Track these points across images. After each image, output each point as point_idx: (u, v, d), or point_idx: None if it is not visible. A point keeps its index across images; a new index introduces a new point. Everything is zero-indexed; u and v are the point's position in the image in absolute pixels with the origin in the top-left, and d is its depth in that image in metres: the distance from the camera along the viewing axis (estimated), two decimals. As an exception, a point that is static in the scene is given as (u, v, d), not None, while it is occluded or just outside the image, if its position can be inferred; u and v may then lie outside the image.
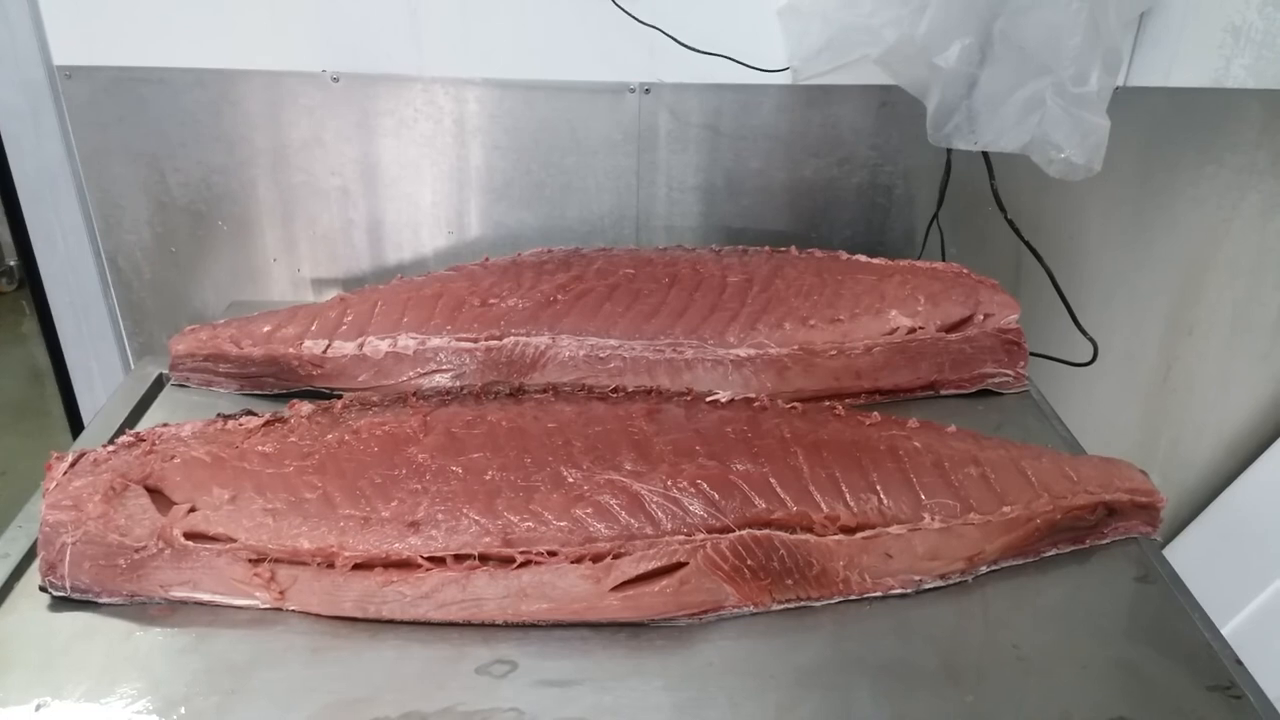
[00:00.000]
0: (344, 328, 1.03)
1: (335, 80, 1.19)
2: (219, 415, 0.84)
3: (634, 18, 1.13)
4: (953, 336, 1.02)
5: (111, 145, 1.21)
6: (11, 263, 2.30)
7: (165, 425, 0.83)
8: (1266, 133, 1.23)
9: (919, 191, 1.26)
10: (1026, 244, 1.15)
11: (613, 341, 1.01)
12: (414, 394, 0.88)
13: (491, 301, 1.04)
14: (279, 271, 1.31)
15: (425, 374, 1.00)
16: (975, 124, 1.01)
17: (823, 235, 1.30)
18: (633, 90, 1.21)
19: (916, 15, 1.00)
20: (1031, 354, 1.05)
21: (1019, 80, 0.96)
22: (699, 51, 1.15)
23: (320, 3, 1.15)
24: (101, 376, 1.35)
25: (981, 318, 1.03)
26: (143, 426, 0.98)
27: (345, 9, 1.15)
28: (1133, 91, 1.18)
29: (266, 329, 1.03)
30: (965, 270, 1.08)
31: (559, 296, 1.05)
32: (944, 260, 1.19)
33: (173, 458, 0.79)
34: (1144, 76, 1.17)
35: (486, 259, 1.13)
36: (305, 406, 0.85)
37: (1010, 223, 1.15)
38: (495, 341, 1.01)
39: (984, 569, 0.78)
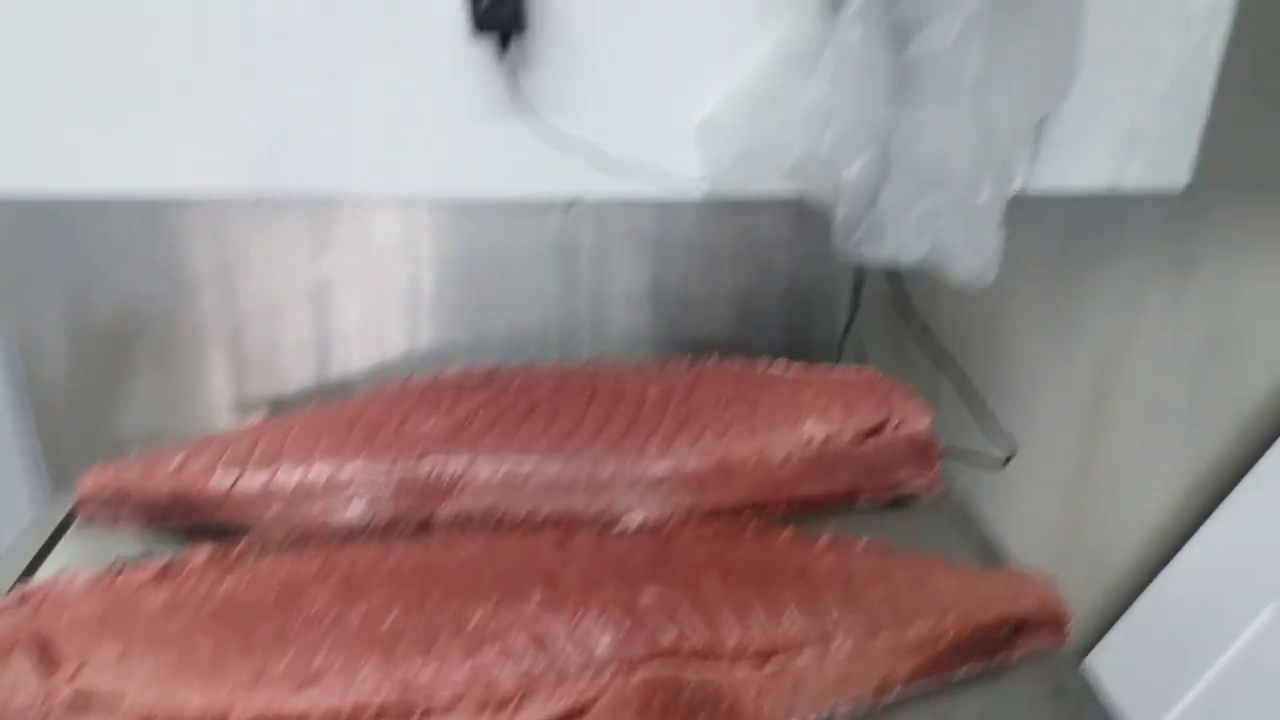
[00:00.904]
0: (255, 457, 1.01)
1: (260, 203, 1.20)
2: (114, 563, 0.82)
3: (556, 136, 1.15)
4: (867, 445, 1.02)
5: (34, 274, 1.19)
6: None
7: (59, 575, 0.81)
8: (1165, 234, 1.27)
9: (838, 298, 1.28)
10: (937, 350, 1.17)
11: (531, 462, 1.01)
12: (317, 533, 0.87)
13: (409, 425, 1.03)
14: (204, 397, 1.29)
15: (337, 504, 0.98)
16: (879, 236, 1.03)
17: (747, 341, 1.31)
18: (556, 207, 1.23)
19: (820, 131, 1.03)
20: (948, 455, 1.06)
21: (916, 194, 0.99)
22: (621, 167, 1.17)
23: (251, 126, 1.15)
24: (14, 513, 1.31)
25: (895, 424, 1.03)
26: (42, 569, 0.95)
27: (277, 132, 1.16)
28: (1033, 197, 1.21)
29: (175, 462, 1.01)
30: (879, 376, 1.10)
31: (478, 416, 1.04)
32: (864, 364, 1.21)
33: (63, 613, 0.76)
34: (1045, 181, 1.20)
35: (409, 378, 1.12)
36: (201, 552, 0.83)
37: (919, 331, 1.17)
38: (411, 466, 1.00)
39: (895, 693, 0.77)
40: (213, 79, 1.13)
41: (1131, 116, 1.19)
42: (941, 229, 0.98)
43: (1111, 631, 1.46)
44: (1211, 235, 1.28)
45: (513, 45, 1.10)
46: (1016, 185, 1.11)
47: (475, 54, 1.12)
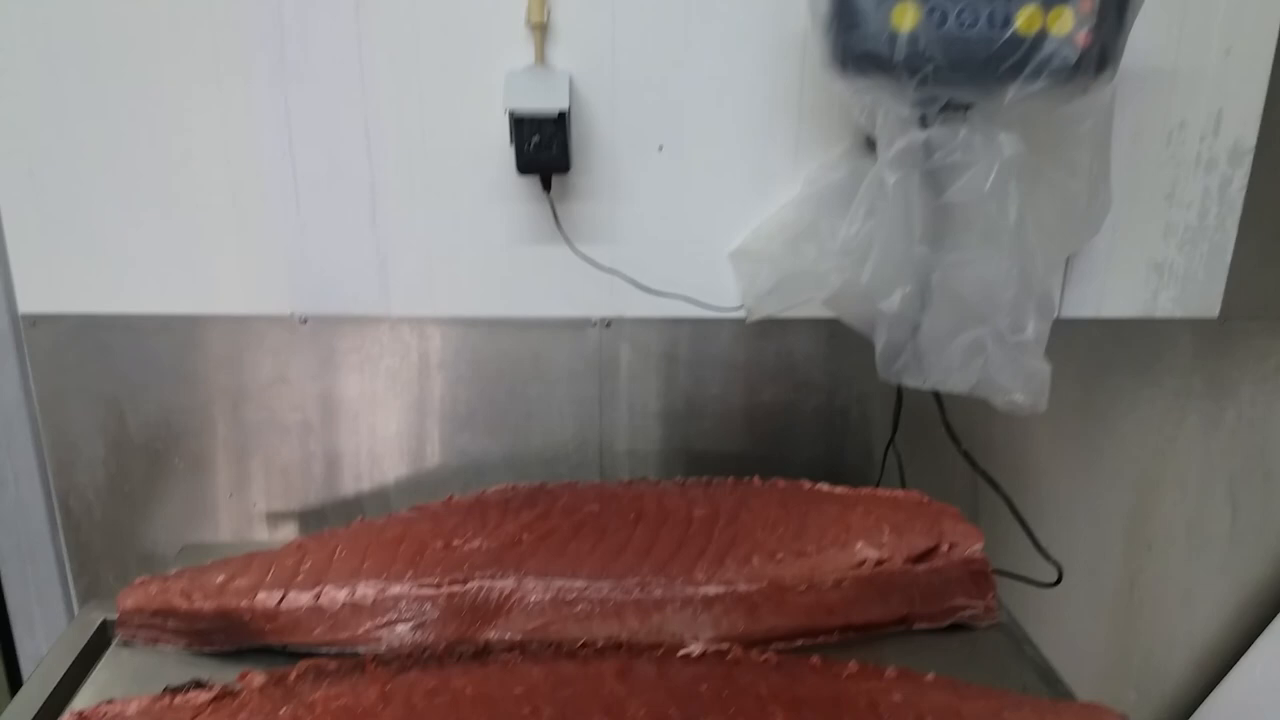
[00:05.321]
0: (301, 576, 1.00)
1: (303, 322, 1.22)
2: (166, 690, 0.80)
3: (593, 264, 1.18)
4: (920, 568, 1.01)
5: (71, 389, 1.21)
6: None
7: (111, 702, 0.79)
8: (1198, 358, 1.29)
9: (874, 414, 1.29)
10: (984, 475, 1.18)
11: (580, 583, 1.00)
12: (372, 659, 0.85)
13: (455, 543, 1.03)
14: (234, 507, 1.29)
15: (385, 625, 0.97)
16: (922, 364, 1.05)
17: (782, 457, 1.31)
18: (594, 324, 1.25)
19: (859, 264, 1.06)
20: (998, 574, 1.05)
21: (959, 326, 1.01)
22: (657, 293, 1.20)
23: (292, 251, 1.19)
24: (43, 619, 1.29)
25: (946, 548, 1.03)
26: (84, 688, 0.93)
27: (315, 257, 1.19)
28: (1067, 322, 1.24)
29: (219, 580, 0.99)
30: (925, 498, 1.10)
31: (524, 536, 1.04)
32: (903, 486, 1.21)
33: (114, 741, 0.74)
34: (1076, 309, 1.23)
35: (451, 498, 1.12)
36: (257, 678, 0.81)
37: (965, 454, 1.17)
38: (459, 586, 0.98)
39: (974, 837, 0.75)
40: (256, 209, 1.17)
41: (1160, 250, 1.23)
42: (989, 360, 1.00)
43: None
44: (1247, 362, 1.31)
45: (555, 182, 1.15)
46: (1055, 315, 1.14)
47: (519, 188, 1.17)
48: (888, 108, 0.98)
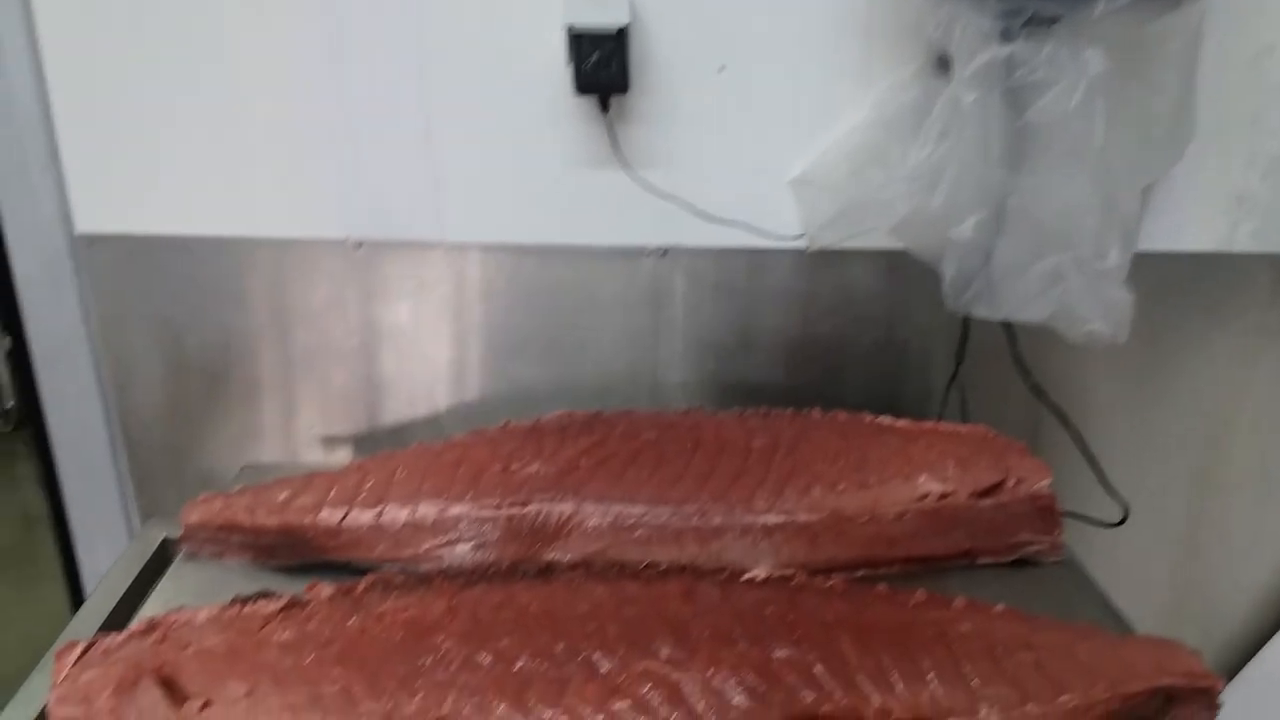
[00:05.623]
0: (363, 495, 1.00)
1: (358, 247, 1.21)
2: (235, 599, 0.81)
3: (651, 189, 1.16)
4: (985, 503, 1.00)
5: (129, 310, 1.21)
6: (9, 405, 2.26)
7: (180, 610, 0.80)
8: (1276, 295, 1.25)
9: (934, 349, 1.27)
10: (1054, 409, 1.15)
11: (638, 508, 0.99)
12: (439, 574, 0.85)
13: (514, 467, 1.03)
14: (291, 430, 1.29)
15: (445, 544, 0.97)
16: (995, 294, 1.01)
17: (839, 391, 1.29)
18: (649, 254, 1.23)
19: (928, 190, 1.02)
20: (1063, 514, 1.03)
21: (1037, 253, 0.98)
22: (715, 220, 1.18)
23: (345, 174, 1.17)
24: (104, 538, 1.32)
25: (1013, 483, 1.01)
26: (150, 600, 0.94)
27: (370, 181, 1.18)
28: (1140, 255, 1.19)
29: (282, 497, 1.00)
30: (991, 433, 1.07)
31: (582, 462, 1.03)
32: (965, 421, 1.19)
33: (187, 646, 0.75)
34: (1151, 242, 1.19)
35: (507, 422, 1.11)
36: (325, 589, 0.81)
37: (1034, 387, 1.15)
38: (518, 509, 0.98)
39: (1044, 765, 0.74)
40: (310, 132, 1.15)
41: (1241, 180, 1.18)
42: (1068, 289, 0.96)
43: (1226, 692, 1.41)
44: (1327, 301, 1.26)
45: (613, 104, 1.12)
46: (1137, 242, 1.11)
47: (575, 110, 1.14)
48: (967, 21, 0.94)
